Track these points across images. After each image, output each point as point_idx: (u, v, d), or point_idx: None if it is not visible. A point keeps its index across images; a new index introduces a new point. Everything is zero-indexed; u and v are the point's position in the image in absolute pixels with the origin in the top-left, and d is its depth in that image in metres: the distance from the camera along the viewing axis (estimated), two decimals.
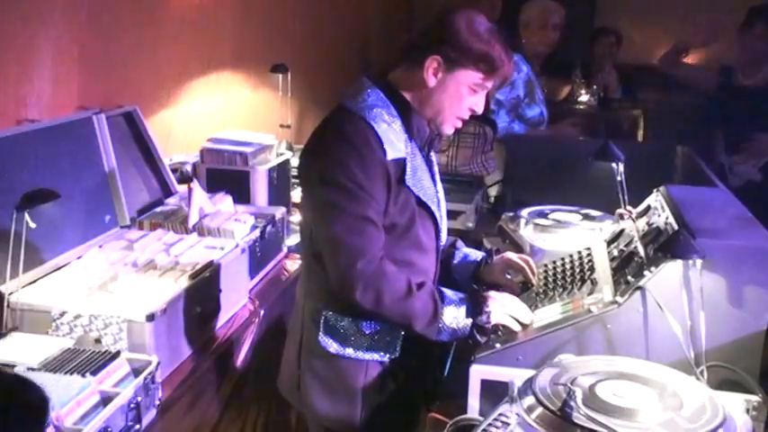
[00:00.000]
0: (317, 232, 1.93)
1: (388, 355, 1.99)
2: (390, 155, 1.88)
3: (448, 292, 1.96)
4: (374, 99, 1.93)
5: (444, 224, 2.10)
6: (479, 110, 2.00)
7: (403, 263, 1.93)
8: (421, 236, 1.99)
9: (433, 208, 2.01)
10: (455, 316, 1.90)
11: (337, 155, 1.86)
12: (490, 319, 1.90)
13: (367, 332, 1.97)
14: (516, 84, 4.08)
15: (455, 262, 2.24)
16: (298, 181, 2.10)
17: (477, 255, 2.27)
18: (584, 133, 5.16)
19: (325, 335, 1.98)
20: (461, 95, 1.95)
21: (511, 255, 2.22)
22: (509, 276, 2.20)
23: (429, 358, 2.11)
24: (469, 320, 1.90)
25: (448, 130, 2.01)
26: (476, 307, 1.92)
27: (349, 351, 1.98)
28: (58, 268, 2.26)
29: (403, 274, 1.90)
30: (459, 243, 2.30)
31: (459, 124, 2.00)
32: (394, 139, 1.90)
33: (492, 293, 1.99)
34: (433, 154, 2.11)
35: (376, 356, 1.98)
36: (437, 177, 2.11)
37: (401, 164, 1.92)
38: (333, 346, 1.98)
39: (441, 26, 1.93)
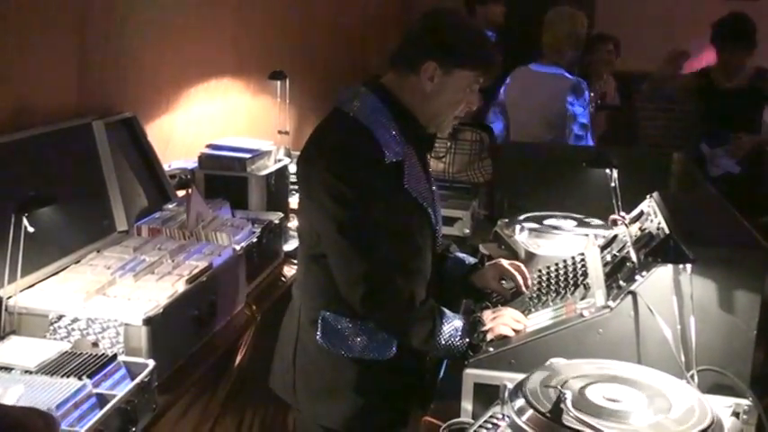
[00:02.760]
0: (325, 240, 1.94)
1: (385, 355, 2.00)
2: (389, 158, 1.90)
3: (448, 313, 1.95)
4: (370, 103, 1.95)
5: (440, 227, 2.12)
6: (474, 106, 2.05)
7: (401, 266, 1.94)
8: (418, 239, 2.01)
9: (430, 210, 2.03)
10: (451, 335, 1.91)
11: (339, 163, 1.88)
12: (486, 338, 1.90)
13: (365, 333, 1.99)
14: (588, 102, 4.18)
15: (447, 265, 2.25)
16: (296, 187, 2.11)
17: (469, 260, 2.28)
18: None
19: (324, 335, 2.00)
20: (459, 96, 1.98)
21: (503, 262, 2.22)
22: (503, 283, 2.21)
23: (425, 358, 2.13)
24: (466, 341, 1.90)
25: (446, 129, 2.05)
26: (473, 327, 1.92)
27: (347, 351, 1.99)
28: (56, 272, 2.28)
29: (407, 288, 1.92)
30: (453, 247, 2.31)
31: (457, 122, 2.03)
32: (392, 143, 1.92)
33: (485, 311, 1.99)
34: (428, 157, 2.13)
35: (373, 357, 2.00)
36: (432, 179, 2.12)
37: (399, 166, 1.94)
38: (331, 347, 1.99)
39: (432, 32, 1.94)
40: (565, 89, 4.12)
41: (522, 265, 2.21)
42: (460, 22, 1.99)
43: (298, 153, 2.11)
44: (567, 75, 4.18)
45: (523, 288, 2.16)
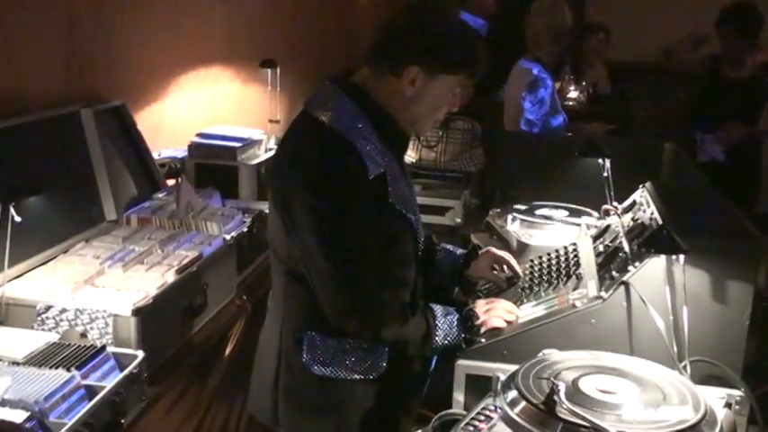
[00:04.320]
0: (308, 265, 1.81)
1: (376, 373, 1.91)
2: (372, 172, 1.77)
3: (438, 309, 1.90)
4: (347, 109, 1.81)
5: (421, 230, 2.01)
6: (456, 108, 1.93)
7: (388, 278, 1.86)
8: (404, 248, 1.92)
9: (411, 216, 1.92)
10: (447, 334, 1.88)
11: (319, 184, 1.75)
12: (481, 330, 1.87)
13: (352, 352, 1.89)
14: (544, 101, 4.07)
15: (439, 258, 2.20)
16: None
17: (458, 251, 2.23)
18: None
19: (309, 356, 1.88)
20: (441, 101, 1.87)
21: (494, 249, 2.21)
22: (495, 272, 2.20)
23: (415, 373, 2.06)
24: (461, 335, 1.88)
25: (425, 132, 1.95)
26: (466, 321, 1.90)
27: (333, 372, 1.89)
28: (44, 262, 2.26)
29: (396, 302, 1.85)
30: (434, 239, 2.24)
31: (437, 124, 1.95)
32: (373, 154, 1.79)
33: (478, 302, 1.96)
34: (403, 156, 2.05)
35: (363, 375, 1.90)
36: (409, 180, 2.01)
37: (383, 179, 1.81)
38: (317, 368, 1.88)
39: (416, 33, 1.81)
40: (524, 84, 4.07)
41: (509, 255, 2.21)
42: (447, 23, 1.85)
43: None
44: (534, 70, 4.06)
45: (519, 272, 2.15)
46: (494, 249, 2.22)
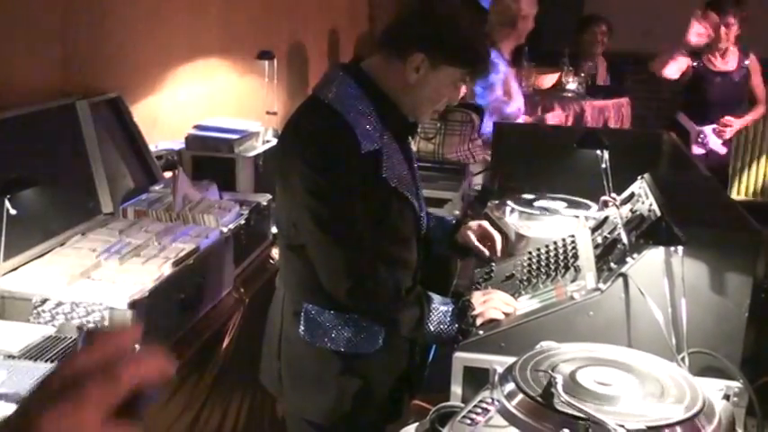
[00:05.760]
0: (304, 234, 1.89)
1: (371, 349, 1.96)
2: (365, 148, 1.83)
3: (435, 297, 1.92)
4: (348, 90, 1.88)
5: (424, 214, 2.08)
6: (455, 101, 1.98)
7: (382, 256, 1.90)
8: (400, 227, 1.96)
9: (411, 198, 1.98)
10: (440, 321, 1.89)
11: (315, 154, 1.82)
12: (476, 323, 1.88)
13: (349, 325, 1.94)
14: (495, 85, 4.06)
15: (431, 225, 2.23)
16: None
17: (449, 218, 2.30)
18: (573, 121, 5.16)
19: (306, 328, 1.96)
20: (442, 92, 1.91)
21: (487, 225, 2.24)
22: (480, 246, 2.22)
23: (412, 349, 2.10)
24: (455, 326, 1.88)
25: (425, 120, 2.01)
26: (462, 312, 1.90)
27: (330, 344, 1.95)
28: (40, 255, 2.25)
29: (391, 278, 1.88)
30: (430, 210, 2.30)
31: (436, 115, 1.99)
32: (369, 131, 1.86)
33: (475, 293, 1.97)
34: (411, 141, 2.10)
35: (359, 350, 1.96)
36: (415, 164, 2.07)
37: (377, 155, 1.87)
38: (314, 340, 1.95)
39: (426, 21, 1.86)
40: None
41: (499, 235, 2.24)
42: (457, 15, 1.89)
43: None
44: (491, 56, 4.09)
45: (499, 253, 2.18)
46: (486, 224, 2.24)
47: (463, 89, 2.01)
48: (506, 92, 4.10)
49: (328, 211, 1.83)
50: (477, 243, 2.21)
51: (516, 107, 4.17)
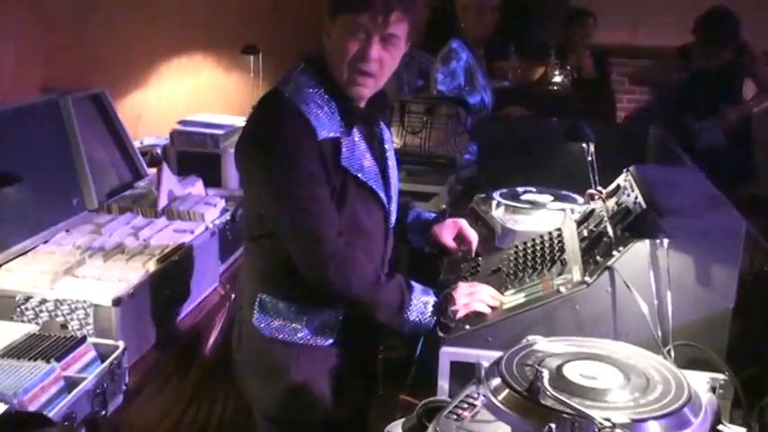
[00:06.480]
0: (276, 226, 1.88)
1: (324, 341, 1.94)
2: (322, 134, 1.83)
3: (416, 286, 1.91)
4: (305, 80, 1.89)
5: (394, 205, 2.03)
6: (365, 59, 1.85)
7: (354, 239, 1.88)
8: (361, 219, 1.93)
9: (378, 190, 1.94)
10: (420, 311, 1.87)
11: (271, 144, 1.83)
12: (456, 317, 1.86)
13: (302, 317, 1.92)
14: (457, 73, 4.04)
15: (408, 221, 2.22)
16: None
17: (429, 214, 2.27)
18: (558, 114, 5.16)
19: (259, 318, 1.94)
20: (343, 43, 1.84)
21: (464, 223, 2.22)
22: (455, 246, 2.21)
23: (370, 344, 2.08)
24: (434, 318, 1.87)
25: (355, 90, 1.88)
26: (442, 304, 1.89)
27: (282, 335, 1.93)
28: (24, 252, 2.23)
29: (370, 264, 1.88)
30: (412, 203, 2.28)
31: (365, 81, 1.90)
32: (326, 120, 1.85)
33: (460, 284, 1.95)
34: (387, 132, 2.06)
35: (311, 341, 1.93)
36: (389, 159, 2.03)
37: (335, 144, 1.86)
38: (266, 329, 1.93)
39: None
40: (440, 57, 4.09)
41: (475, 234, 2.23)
42: None
43: None
44: (453, 44, 4.09)
45: (473, 253, 2.17)
46: (463, 223, 2.22)
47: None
48: (468, 82, 4.09)
49: (296, 199, 1.81)
50: (451, 243, 2.20)
51: (479, 98, 4.14)
